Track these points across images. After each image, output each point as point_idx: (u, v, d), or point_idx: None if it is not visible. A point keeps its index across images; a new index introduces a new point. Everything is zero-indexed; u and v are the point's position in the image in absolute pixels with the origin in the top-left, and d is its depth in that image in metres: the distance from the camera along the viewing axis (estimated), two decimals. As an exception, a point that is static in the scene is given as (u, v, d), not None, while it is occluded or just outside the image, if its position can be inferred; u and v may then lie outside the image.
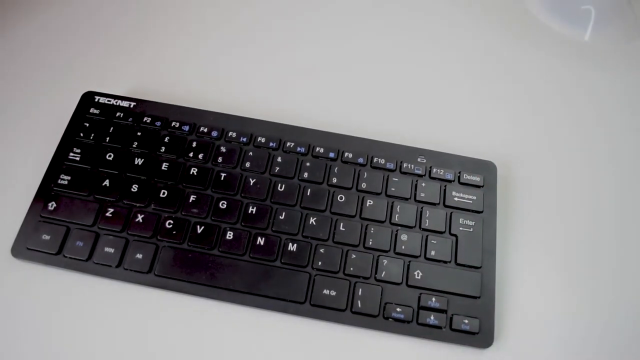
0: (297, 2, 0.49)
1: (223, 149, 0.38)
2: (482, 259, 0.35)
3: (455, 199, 0.37)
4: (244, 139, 0.39)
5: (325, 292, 0.34)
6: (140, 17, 0.47)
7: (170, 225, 0.35)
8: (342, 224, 0.36)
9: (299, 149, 0.38)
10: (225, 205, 0.36)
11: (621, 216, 0.39)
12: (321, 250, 0.35)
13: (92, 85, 0.41)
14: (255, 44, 0.46)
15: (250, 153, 0.38)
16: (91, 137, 0.38)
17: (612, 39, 0.48)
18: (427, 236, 0.36)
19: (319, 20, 0.48)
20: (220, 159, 0.38)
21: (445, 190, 0.38)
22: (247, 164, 0.38)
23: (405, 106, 0.44)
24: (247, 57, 0.45)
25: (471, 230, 0.36)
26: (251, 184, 0.37)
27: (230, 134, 0.39)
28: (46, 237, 0.34)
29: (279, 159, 0.38)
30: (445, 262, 0.35)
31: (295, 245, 0.35)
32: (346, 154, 0.38)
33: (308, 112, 0.42)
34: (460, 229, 0.36)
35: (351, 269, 0.34)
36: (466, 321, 0.33)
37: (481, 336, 0.33)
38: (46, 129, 0.40)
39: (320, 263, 0.34)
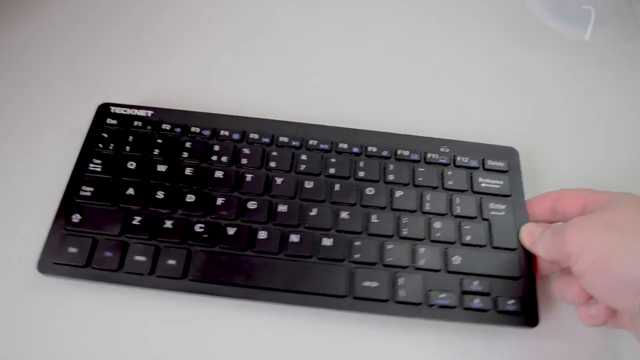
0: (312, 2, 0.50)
1: (246, 151, 0.38)
2: (517, 241, 0.35)
3: (483, 184, 0.37)
4: (266, 140, 0.38)
5: (366, 283, 0.33)
6: (146, 28, 0.47)
7: (201, 229, 0.34)
8: (374, 216, 0.35)
9: (322, 146, 0.38)
10: (254, 206, 0.35)
11: None
12: (357, 243, 0.34)
13: (103, 96, 0.41)
14: (270, 44, 0.47)
15: (274, 153, 0.38)
16: (110, 148, 0.37)
17: (612, 39, 0.49)
18: (460, 222, 0.36)
19: (336, 18, 0.49)
20: (244, 161, 0.37)
21: (471, 177, 0.38)
22: (272, 164, 0.37)
23: (404, 102, 0.44)
24: (263, 57, 0.46)
25: (502, 213, 0.36)
26: (278, 183, 0.36)
27: (251, 135, 0.38)
28: (73, 249, 0.33)
29: (303, 157, 0.38)
30: (481, 246, 0.35)
31: (330, 240, 0.34)
32: (370, 148, 0.38)
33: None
34: (492, 213, 0.36)
35: (389, 259, 0.34)
36: (510, 302, 0.33)
37: (527, 316, 0.33)
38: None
39: (357, 256, 0.34)
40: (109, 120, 0.39)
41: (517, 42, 0.49)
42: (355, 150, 0.38)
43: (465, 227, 0.35)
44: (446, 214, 0.36)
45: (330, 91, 0.44)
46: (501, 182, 0.38)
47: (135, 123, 0.39)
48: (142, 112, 0.39)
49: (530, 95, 0.46)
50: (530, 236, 0.34)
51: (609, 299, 0.28)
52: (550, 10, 0.51)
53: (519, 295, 0.33)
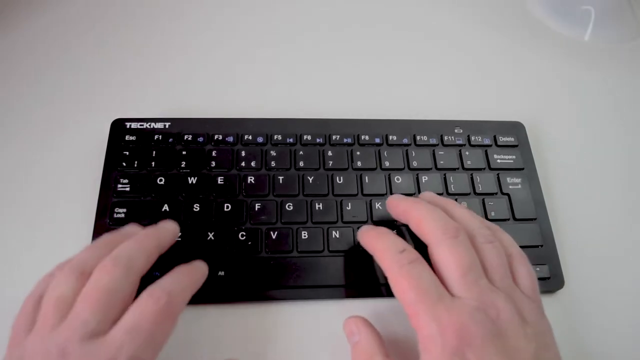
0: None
1: (274, 153, 0.38)
2: (535, 211, 0.38)
3: (498, 161, 0.40)
4: (291, 140, 0.39)
5: (409, 269, 0.35)
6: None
7: (244, 237, 0.35)
8: (406, 203, 0.37)
9: (345, 140, 0.39)
10: (292, 207, 0.36)
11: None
12: (394, 231, 0.36)
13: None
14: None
15: (301, 152, 0.38)
16: (135, 165, 0.37)
17: (612, 39, 0.49)
18: (483, 199, 0.38)
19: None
20: (273, 163, 0.38)
21: (487, 154, 0.40)
22: (301, 163, 0.38)
23: (404, 92, 0.46)
24: (264, 57, 0.45)
25: (519, 187, 0.39)
26: (310, 181, 0.37)
27: (275, 137, 0.39)
28: (119, 274, 0.33)
29: (330, 153, 0.39)
30: (505, 219, 0.38)
31: (369, 232, 0.36)
32: (390, 137, 0.40)
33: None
34: (510, 187, 0.39)
35: (426, 243, 0.36)
36: (538, 269, 0.36)
37: (553, 280, 0.36)
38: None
39: (396, 244, 0.36)
40: (128, 137, 0.38)
41: (516, 42, 0.49)
42: (377, 140, 0.40)
43: (489, 203, 0.38)
44: (469, 193, 0.38)
45: (342, 86, 0.45)
46: (514, 157, 0.40)
47: (156, 137, 0.38)
48: (159, 125, 0.38)
49: (526, 95, 0.46)
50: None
51: None
52: (550, 10, 0.51)
53: (544, 262, 0.36)
